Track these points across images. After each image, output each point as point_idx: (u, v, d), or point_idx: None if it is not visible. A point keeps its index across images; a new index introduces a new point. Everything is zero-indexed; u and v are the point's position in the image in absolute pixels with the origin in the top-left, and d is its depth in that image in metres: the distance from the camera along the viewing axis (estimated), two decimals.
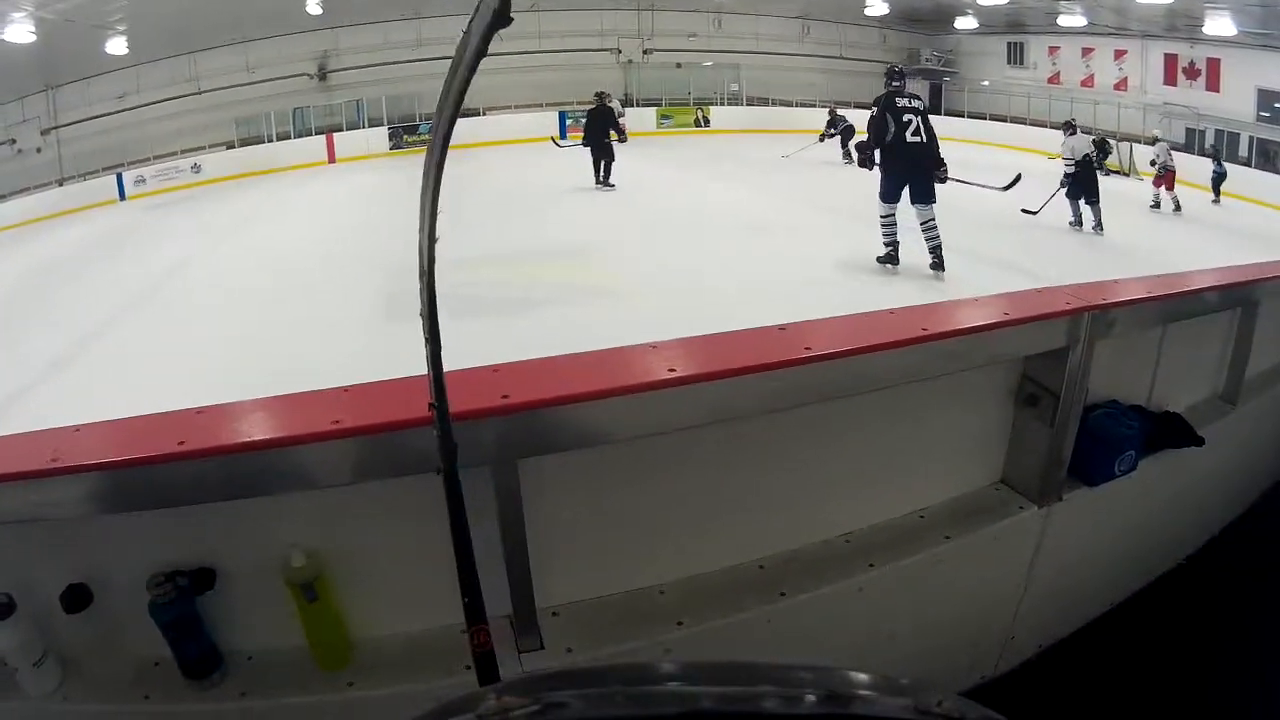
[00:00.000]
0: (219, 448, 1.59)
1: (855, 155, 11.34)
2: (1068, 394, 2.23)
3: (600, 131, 14.25)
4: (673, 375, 1.71)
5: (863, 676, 0.59)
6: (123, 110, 23.78)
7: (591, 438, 1.71)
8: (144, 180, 22.79)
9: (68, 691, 1.95)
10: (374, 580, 1.81)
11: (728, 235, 10.70)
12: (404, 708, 1.58)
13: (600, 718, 0.56)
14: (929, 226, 8.15)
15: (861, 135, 9.77)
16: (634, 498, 1.91)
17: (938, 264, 8.25)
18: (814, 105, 24.01)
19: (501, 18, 0.95)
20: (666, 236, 10.80)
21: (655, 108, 25.47)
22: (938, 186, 8.11)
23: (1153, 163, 14.61)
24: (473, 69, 1.01)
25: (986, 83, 25.47)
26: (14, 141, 23.27)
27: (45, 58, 21.59)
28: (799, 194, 14.35)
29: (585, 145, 14.48)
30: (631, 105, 24.68)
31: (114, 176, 22.89)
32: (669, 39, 25.99)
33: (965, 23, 25.48)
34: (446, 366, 1.62)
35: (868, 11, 24.70)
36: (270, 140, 23.86)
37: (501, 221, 12.14)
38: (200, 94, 23.94)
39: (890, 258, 8.52)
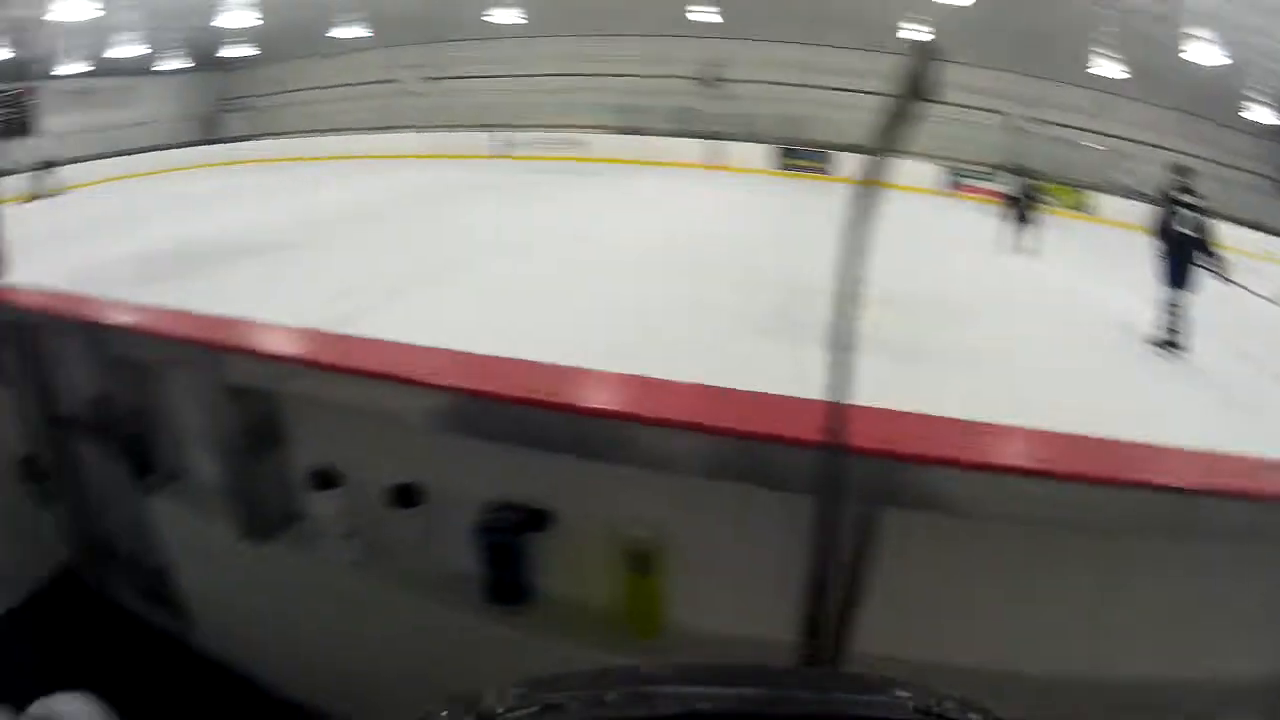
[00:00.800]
0: (594, 410, 1.63)
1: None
2: None
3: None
4: (1047, 467, 1.64)
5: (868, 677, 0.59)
6: (507, 75, 25.29)
7: (957, 506, 1.66)
8: (523, 144, 24.24)
9: (365, 570, 2.08)
10: (703, 573, 1.82)
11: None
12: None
13: (598, 719, 0.54)
14: None
15: None
16: (958, 575, 1.85)
17: None
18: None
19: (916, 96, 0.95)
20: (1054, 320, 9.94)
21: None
22: None
23: None
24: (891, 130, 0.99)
25: None
26: (398, 82, 25.98)
27: (437, 14, 23.71)
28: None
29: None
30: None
31: (489, 134, 24.64)
32: (1056, 112, 23.28)
33: None
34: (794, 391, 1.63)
35: (1251, 117, 20.76)
36: (653, 135, 24.11)
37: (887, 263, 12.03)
38: (589, 76, 24.76)
39: None
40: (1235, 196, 20.89)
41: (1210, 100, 21.51)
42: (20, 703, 1.62)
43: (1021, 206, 14.30)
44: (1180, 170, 8.42)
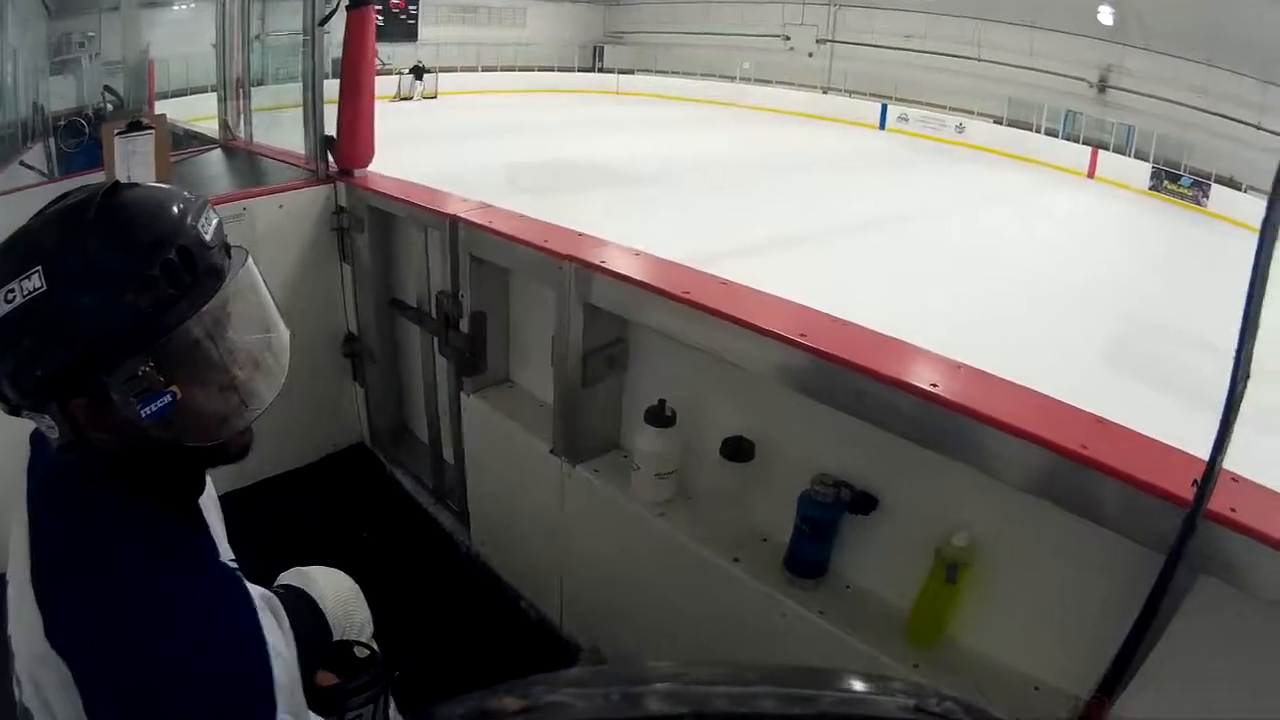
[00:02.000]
0: (953, 403, 1.61)
1: None
2: None
3: None
4: None
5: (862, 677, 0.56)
6: (902, 49, 25.71)
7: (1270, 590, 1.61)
8: (906, 119, 24.60)
9: (668, 511, 2.16)
10: (996, 594, 1.80)
11: None
12: None
13: (601, 719, 0.53)
14: None
15: None
16: (1247, 670, 1.78)
17: None
18: None
19: None
20: None
21: None
22: None
23: None
24: None
25: None
26: (789, 39, 27.28)
27: None
28: None
29: None
30: None
31: (879, 105, 25.15)
32: None
33: None
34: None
35: None
36: (1037, 131, 23.76)
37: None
38: (979, 61, 24.79)
39: None
40: None
41: None
42: (277, 555, 1.73)
43: None
44: None
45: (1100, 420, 1.67)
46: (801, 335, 1.79)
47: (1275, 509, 1.65)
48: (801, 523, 1.89)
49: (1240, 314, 1.17)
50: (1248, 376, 1.25)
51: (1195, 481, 1.34)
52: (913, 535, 1.81)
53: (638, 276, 2.09)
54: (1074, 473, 1.58)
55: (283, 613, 1.12)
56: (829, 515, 1.86)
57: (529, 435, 2.49)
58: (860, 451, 1.88)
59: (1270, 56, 18.90)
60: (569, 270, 2.19)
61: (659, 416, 2.12)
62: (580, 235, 2.37)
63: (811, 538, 1.89)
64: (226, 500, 1.26)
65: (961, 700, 0.59)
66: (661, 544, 2.14)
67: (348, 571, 1.79)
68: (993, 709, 0.67)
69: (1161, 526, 1.43)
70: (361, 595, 1.77)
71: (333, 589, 1.71)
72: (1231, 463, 1.53)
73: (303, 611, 1.59)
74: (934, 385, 1.64)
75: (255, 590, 1.08)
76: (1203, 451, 1.34)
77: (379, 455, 3.41)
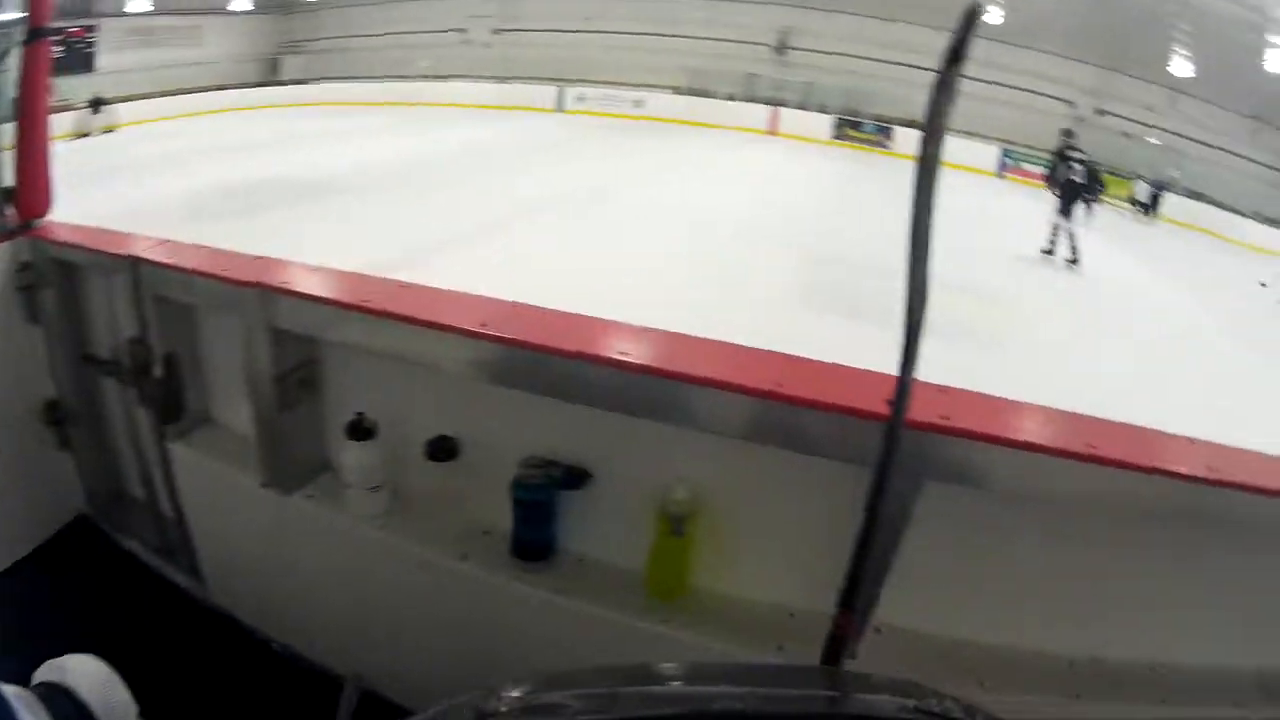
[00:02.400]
0: (638, 365, 1.62)
1: None
2: None
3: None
4: (1090, 450, 1.65)
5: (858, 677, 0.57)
6: (578, 31, 25.65)
7: (993, 482, 1.66)
8: (584, 99, 24.68)
9: (388, 523, 2.07)
10: (730, 537, 1.82)
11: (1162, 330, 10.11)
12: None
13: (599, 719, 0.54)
14: None
15: None
16: (992, 552, 1.86)
17: None
18: (1244, 215, 21.09)
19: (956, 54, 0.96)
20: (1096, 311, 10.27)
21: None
22: None
23: None
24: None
25: None
26: (464, 31, 26.43)
27: None
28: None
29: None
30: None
31: (555, 88, 25.09)
32: (1124, 105, 23.91)
33: None
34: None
35: None
36: (717, 98, 24.47)
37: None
38: (659, 36, 25.06)
39: None
40: None
41: None
42: (28, 653, 1.61)
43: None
44: (1067, 133, 12.82)
45: (791, 359, 1.71)
46: (482, 326, 1.74)
47: (985, 409, 1.72)
48: (518, 508, 1.85)
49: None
50: (924, 296, 1.26)
51: (888, 401, 1.36)
52: (634, 498, 1.81)
53: (319, 293, 2.00)
54: (774, 411, 1.60)
55: (42, 711, 1.12)
56: (542, 496, 1.83)
57: (238, 473, 2.31)
58: (567, 430, 1.86)
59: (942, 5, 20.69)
60: (251, 297, 2.05)
61: (359, 430, 2.01)
62: (258, 259, 2.23)
63: (530, 521, 1.86)
64: None
65: (961, 701, 0.62)
66: (390, 556, 2.06)
67: (99, 653, 1.63)
68: (992, 709, 0.63)
69: (869, 445, 1.44)
70: (117, 677, 1.62)
71: (88, 677, 1.53)
72: (947, 372, 1.57)
73: (63, 706, 1.43)
74: (624, 354, 1.63)
75: (10, 690, 1.05)
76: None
77: (102, 524, 3.12)
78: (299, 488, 2.22)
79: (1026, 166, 22.34)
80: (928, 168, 1.11)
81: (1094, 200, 11.76)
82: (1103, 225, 14.41)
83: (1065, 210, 11.64)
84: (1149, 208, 21.78)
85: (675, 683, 0.57)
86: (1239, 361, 9.27)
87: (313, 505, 2.18)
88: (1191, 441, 1.87)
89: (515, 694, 0.55)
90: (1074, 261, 11.59)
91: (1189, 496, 1.74)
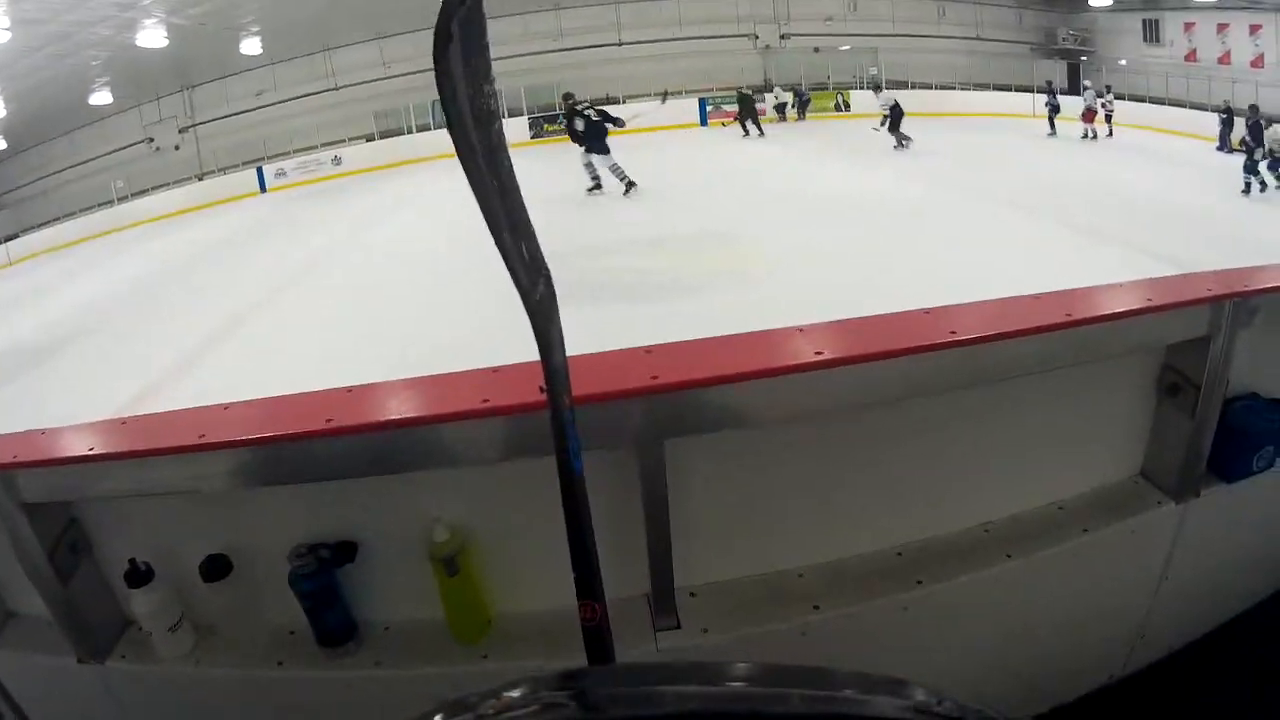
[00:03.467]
0: (369, 425, 1.61)
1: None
2: (1209, 385, 2.14)
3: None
4: (820, 358, 1.66)
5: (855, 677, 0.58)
6: (261, 107, 25.22)
7: (738, 419, 1.68)
8: (284, 173, 24.05)
9: (201, 656, 2.01)
10: (514, 557, 1.82)
11: (870, 218, 10.87)
12: None
13: (599, 718, 0.54)
14: None
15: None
16: (776, 481, 1.87)
17: None
18: (954, 88, 23.44)
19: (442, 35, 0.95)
20: (811, 221, 10.92)
21: (794, 93, 24.93)
22: None
23: None
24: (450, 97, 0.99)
25: (1123, 62, 23.83)
26: (152, 140, 25.39)
27: (180, 60, 23.11)
28: (941, 177, 14.16)
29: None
30: (769, 91, 24.70)
31: (254, 170, 24.30)
32: (806, 24, 25.54)
33: (1100, 0, 24.23)
34: (599, 348, 1.63)
35: None
36: (410, 132, 24.40)
37: (644, 208, 12.57)
38: (338, 89, 25.09)
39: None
40: (1002, 66, 22.77)
41: None
42: None
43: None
44: (567, 95, 14.36)
45: (495, 369, 1.71)
46: (201, 437, 1.69)
47: (690, 355, 1.72)
48: (303, 600, 1.81)
49: None
50: (545, 274, 1.24)
51: (541, 387, 1.36)
52: (405, 553, 1.80)
53: (52, 455, 1.92)
54: (500, 426, 1.60)
55: None
56: (322, 581, 1.79)
57: (53, 656, 2.20)
58: (321, 508, 1.83)
59: None
60: None
61: (136, 576, 1.94)
62: None
63: (321, 608, 1.82)
64: None
65: (961, 701, 0.57)
66: (212, 689, 1.99)
67: None
68: (992, 709, 0.61)
69: (603, 427, 1.52)
70: None
71: None
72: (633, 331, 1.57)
73: None
74: (329, 420, 1.61)
75: None
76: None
77: None
78: (110, 652, 2.13)
79: (727, 108, 23.52)
80: (472, 153, 1.08)
81: (596, 142, 13.72)
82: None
83: (599, 147, 13.69)
84: (808, 108, 24.89)
85: (676, 683, 0.55)
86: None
87: (128, 665, 2.09)
88: (927, 311, 1.92)
89: (515, 694, 0.55)
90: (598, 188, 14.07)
91: (946, 363, 1.78)
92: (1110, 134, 18.79)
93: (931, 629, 1.96)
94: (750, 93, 21.06)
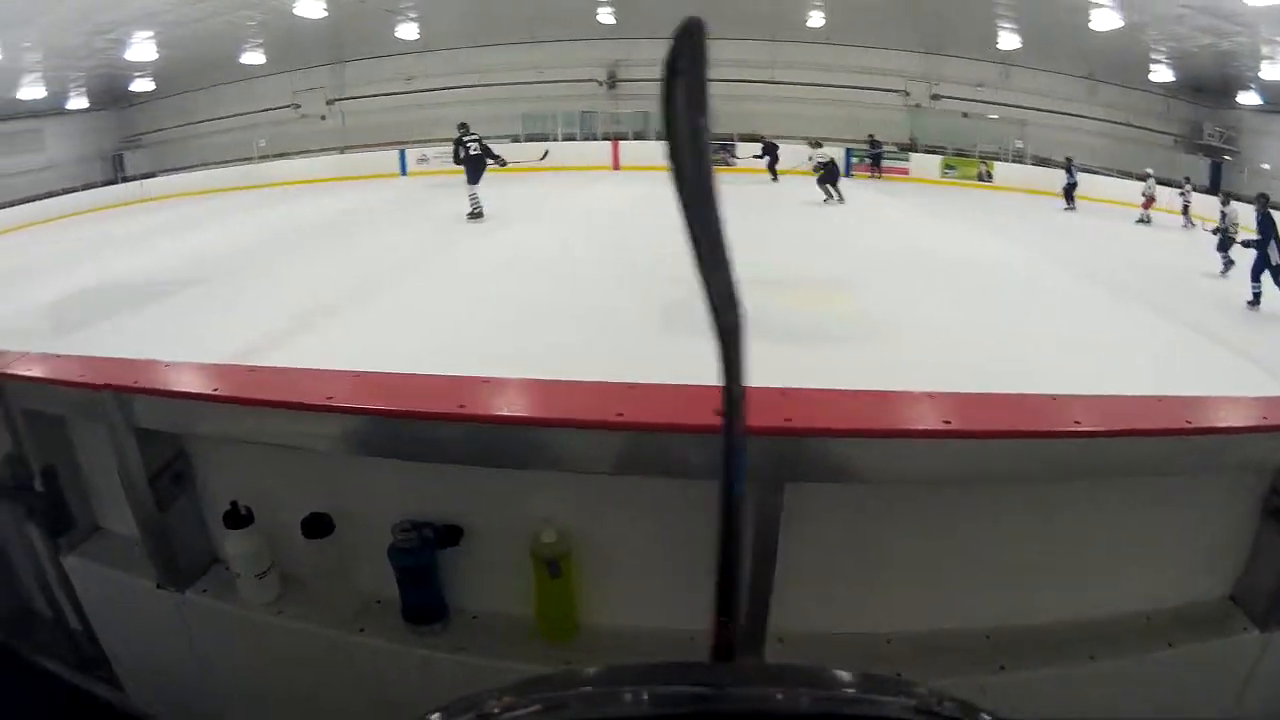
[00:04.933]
0: (501, 418, 1.64)
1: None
2: None
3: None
4: (946, 427, 1.67)
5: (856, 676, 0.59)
6: (409, 92, 25.69)
7: (859, 474, 1.67)
8: (426, 159, 24.30)
9: (283, 607, 2.05)
10: (611, 570, 1.83)
11: (994, 289, 10.78)
12: None
13: (599, 718, 0.55)
14: None
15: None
16: (880, 541, 1.87)
17: None
18: (1096, 172, 22.64)
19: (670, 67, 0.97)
20: (937, 284, 10.86)
21: (940, 156, 24.59)
22: None
23: None
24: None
25: (1266, 166, 22.16)
26: (299, 106, 26.27)
27: (335, 33, 23.79)
28: (1077, 259, 13.86)
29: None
30: (915, 151, 24.60)
31: (397, 152, 24.88)
32: (957, 87, 25.11)
33: (1248, 98, 22.72)
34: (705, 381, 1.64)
35: (1152, 76, 23.04)
36: (556, 139, 24.57)
37: (760, 247, 12.37)
38: (488, 86, 25.20)
39: None
40: (1146, 155, 22.02)
41: (1113, 64, 22.64)
42: None
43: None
44: (461, 125, 16.05)
45: (638, 386, 1.72)
46: (329, 400, 1.74)
47: (823, 404, 1.73)
48: (399, 573, 1.84)
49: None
50: (738, 304, 1.26)
51: (717, 410, 1.36)
52: (509, 546, 1.82)
53: (172, 388, 1.99)
54: (630, 441, 1.62)
55: None
56: (420, 559, 1.82)
57: (133, 577, 2.27)
58: (434, 490, 1.86)
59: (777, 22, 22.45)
60: (109, 399, 2.01)
61: (236, 518, 1.99)
62: (114, 362, 2.21)
63: (414, 584, 1.85)
64: None
65: (962, 701, 0.59)
66: (290, 640, 2.03)
67: None
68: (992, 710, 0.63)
69: (707, 459, 1.46)
70: None
71: None
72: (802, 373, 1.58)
73: None
74: (462, 406, 1.64)
75: None
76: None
77: (14, 646, 3.04)
78: (192, 584, 2.19)
79: (869, 163, 23.59)
80: (685, 181, 1.10)
81: (471, 172, 15.83)
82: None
83: (474, 177, 15.77)
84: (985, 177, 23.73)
85: (676, 683, 0.56)
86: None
87: (208, 600, 2.15)
88: (1054, 398, 1.91)
89: (515, 694, 0.58)
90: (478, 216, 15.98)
91: (1063, 452, 1.77)
92: (1188, 225, 18.59)
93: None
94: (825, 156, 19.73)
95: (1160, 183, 19.97)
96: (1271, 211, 11.73)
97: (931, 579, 1.94)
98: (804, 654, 1.85)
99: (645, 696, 0.57)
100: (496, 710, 0.56)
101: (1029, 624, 2.00)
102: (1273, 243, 11.16)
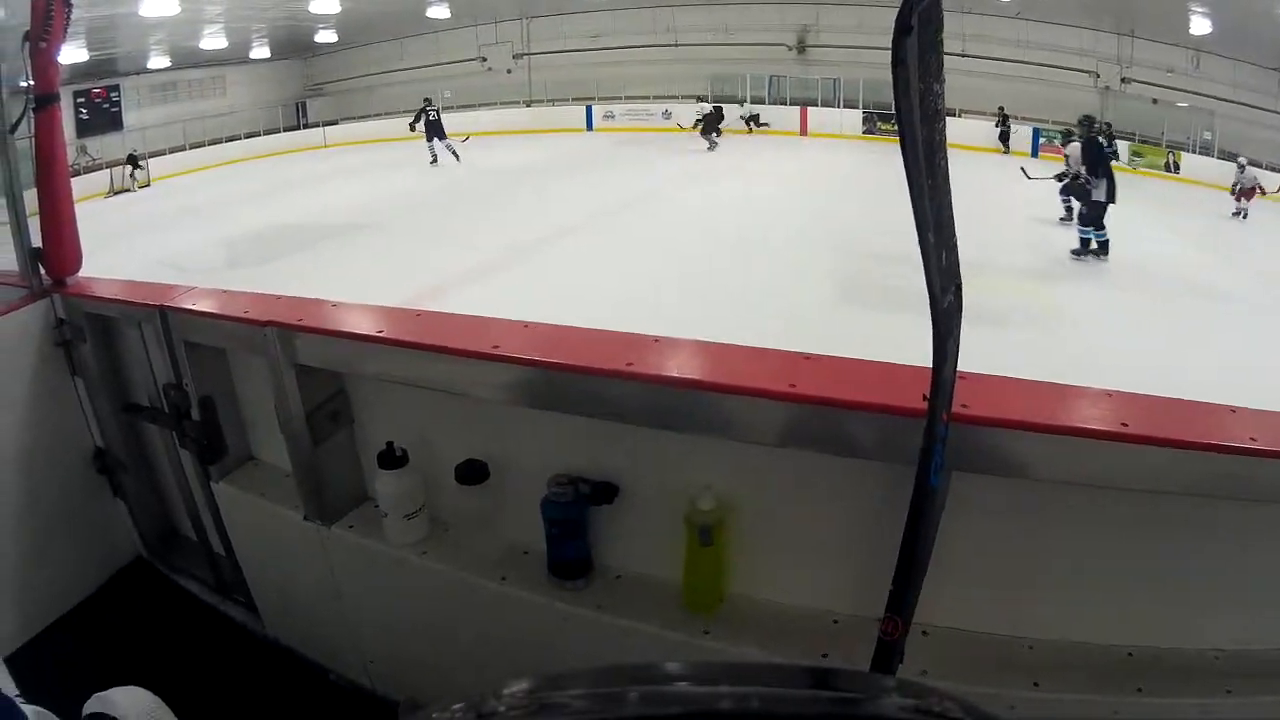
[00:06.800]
0: (668, 379, 1.62)
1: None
2: None
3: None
4: (1123, 430, 1.60)
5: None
6: (595, 49, 25.76)
7: (1028, 470, 1.62)
8: (613, 116, 24.93)
9: (429, 549, 2.09)
10: (764, 544, 1.80)
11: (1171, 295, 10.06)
12: None
13: (600, 719, 0.52)
14: None
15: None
16: (1033, 542, 1.81)
17: None
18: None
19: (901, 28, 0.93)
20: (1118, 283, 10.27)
21: (1128, 142, 22.81)
22: None
23: None
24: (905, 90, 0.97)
25: None
26: (485, 60, 26.88)
27: None
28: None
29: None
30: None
31: (584, 108, 25.34)
32: (1147, 71, 23.44)
33: None
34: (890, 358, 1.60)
35: None
36: (744, 103, 24.34)
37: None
38: (675, 46, 25.14)
39: None
40: None
41: None
42: (91, 694, 1.64)
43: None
44: (427, 100, 18.96)
45: (818, 359, 1.70)
46: (494, 348, 1.77)
47: (1003, 392, 1.68)
48: (550, 526, 1.85)
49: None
50: (957, 284, 1.23)
51: (925, 396, 1.34)
52: (664, 510, 1.80)
53: (336, 328, 2.05)
54: (804, 414, 1.60)
55: None
56: (572, 514, 1.83)
57: (281, 508, 2.36)
58: (592, 446, 1.87)
59: None
60: (272, 335, 2.09)
61: (390, 459, 2.03)
62: (278, 299, 2.28)
63: (564, 538, 1.86)
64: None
65: (962, 701, 0.56)
66: (431, 582, 2.08)
67: (160, 690, 1.68)
68: (993, 710, 0.63)
69: (903, 442, 1.42)
70: (165, 707, 1.66)
71: (135, 707, 1.60)
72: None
73: None
74: (629, 364, 1.65)
75: (32, 711, 1.11)
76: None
77: (158, 566, 3.18)
78: (339, 519, 2.25)
79: (1057, 144, 21.76)
80: (914, 148, 1.07)
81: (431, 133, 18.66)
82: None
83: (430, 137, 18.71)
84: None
85: (677, 683, 0.56)
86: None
87: (354, 535, 2.21)
88: (1233, 410, 1.82)
89: (515, 693, 0.54)
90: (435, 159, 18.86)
91: (1236, 469, 1.69)
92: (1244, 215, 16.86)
93: None
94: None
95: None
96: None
97: (1081, 588, 1.87)
98: (946, 649, 1.81)
99: (634, 695, 0.56)
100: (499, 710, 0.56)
101: (1173, 647, 1.93)
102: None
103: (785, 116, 23.75)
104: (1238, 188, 17.14)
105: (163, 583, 3.13)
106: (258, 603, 2.73)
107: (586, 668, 0.60)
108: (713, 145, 20.37)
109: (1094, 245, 10.75)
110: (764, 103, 24.10)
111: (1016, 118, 22.49)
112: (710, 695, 0.55)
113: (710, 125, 20.57)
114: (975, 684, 1.77)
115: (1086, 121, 12.61)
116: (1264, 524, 1.83)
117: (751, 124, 22.62)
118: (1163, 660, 1.90)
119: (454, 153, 18.32)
